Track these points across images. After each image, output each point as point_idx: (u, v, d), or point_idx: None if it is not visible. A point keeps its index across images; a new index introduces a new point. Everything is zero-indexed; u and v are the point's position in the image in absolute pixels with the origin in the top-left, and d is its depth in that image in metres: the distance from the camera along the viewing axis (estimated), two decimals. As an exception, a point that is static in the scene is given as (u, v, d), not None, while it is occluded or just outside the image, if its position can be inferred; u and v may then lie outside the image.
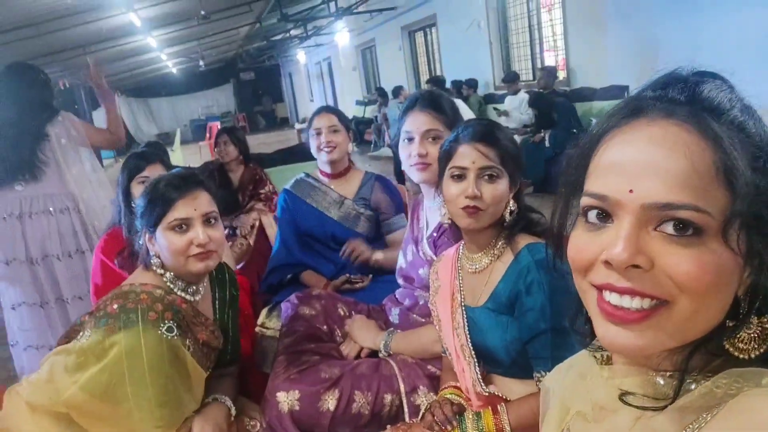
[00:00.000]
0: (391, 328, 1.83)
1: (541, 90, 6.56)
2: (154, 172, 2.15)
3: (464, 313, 1.39)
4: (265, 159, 4.62)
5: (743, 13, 4.50)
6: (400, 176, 7.39)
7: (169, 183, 1.48)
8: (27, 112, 2.75)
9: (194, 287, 1.55)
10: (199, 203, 1.48)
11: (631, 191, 0.56)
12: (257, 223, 3.53)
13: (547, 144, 6.06)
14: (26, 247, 2.79)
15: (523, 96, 7.02)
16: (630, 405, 0.62)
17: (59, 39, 7.68)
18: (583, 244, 0.62)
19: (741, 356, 0.56)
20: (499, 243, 1.35)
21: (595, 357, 0.72)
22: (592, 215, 0.61)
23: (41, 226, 2.79)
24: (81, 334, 1.45)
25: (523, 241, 1.32)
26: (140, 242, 1.53)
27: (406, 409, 1.61)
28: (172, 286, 1.50)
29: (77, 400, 1.35)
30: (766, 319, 0.56)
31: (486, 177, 1.30)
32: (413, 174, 1.78)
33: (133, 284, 1.47)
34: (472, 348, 1.37)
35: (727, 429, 0.54)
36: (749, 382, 0.55)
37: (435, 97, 1.80)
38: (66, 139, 2.82)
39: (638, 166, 0.56)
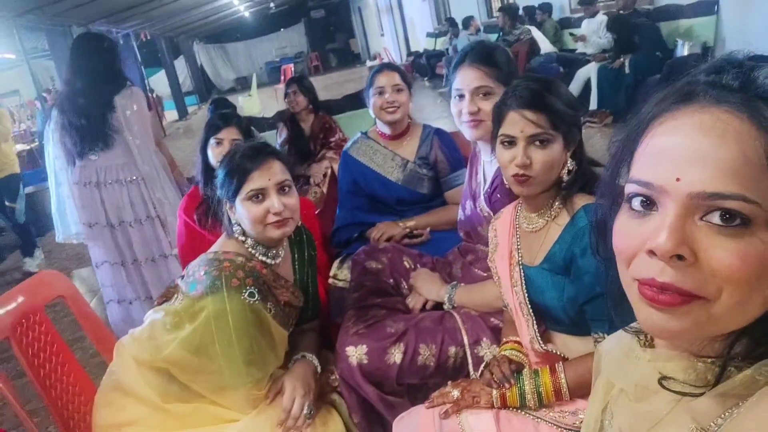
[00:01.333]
0: (455, 282, 1.86)
1: (620, 11, 6.13)
2: (229, 135, 2.29)
3: (522, 271, 1.40)
4: (334, 106, 4.64)
5: None
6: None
7: (244, 155, 1.55)
8: (95, 82, 2.88)
9: (274, 251, 1.63)
10: (273, 173, 1.54)
11: (678, 179, 0.55)
12: (329, 171, 3.60)
13: (627, 70, 5.70)
14: (105, 213, 3.03)
15: (601, 18, 6.58)
16: (669, 390, 0.63)
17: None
18: (626, 232, 0.61)
19: None
20: (556, 204, 1.33)
21: (638, 338, 0.73)
22: (636, 202, 0.60)
23: (115, 194, 3.02)
24: (175, 296, 1.60)
25: (581, 201, 1.30)
26: (222, 211, 1.62)
27: (470, 360, 1.66)
28: (253, 251, 1.59)
29: (175, 356, 1.50)
30: None
31: (537, 143, 1.27)
32: (466, 131, 1.76)
33: (217, 252, 1.58)
34: (530, 306, 1.39)
35: (764, 413, 0.54)
36: None
37: (487, 51, 1.74)
38: (131, 111, 2.94)
39: (686, 154, 0.55)
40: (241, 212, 1.54)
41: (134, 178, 3.03)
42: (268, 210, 1.52)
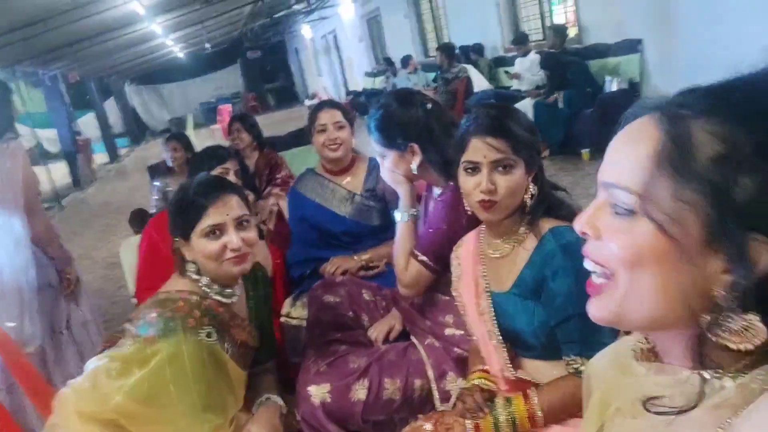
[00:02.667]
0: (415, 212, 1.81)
1: (551, 50, 6.42)
2: (232, 166, 2.44)
3: (490, 299, 1.38)
4: (278, 142, 4.59)
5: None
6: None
7: (199, 190, 1.49)
8: None
9: (230, 289, 1.55)
10: (230, 207, 1.48)
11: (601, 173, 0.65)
12: (276, 208, 3.53)
13: (561, 105, 5.94)
14: None
15: (533, 57, 6.87)
16: (658, 412, 0.62)
17: (64, 34, 7.68)
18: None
19: (737, 348, 0.56)
20: (521, 228, 1.33)
21: (633, 351, 0.72)
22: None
23: None
24: (122, 341, 1.48)
25: (547, 224, 1.30)
26: (173, 249, 1.53)
27: (436, 395, 1.62)
28: (207, 290, 1.51)
29: (124, 406, 1.37)
30: (751, 316, 0.55)
31: (500, 169, 1.28)
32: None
33: (169, 291, 1.49)
34: (499, 334, 1.37)
35: (761, 421, 0.53)
36: None
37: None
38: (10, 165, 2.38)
39: (609, 153, 0.64)
40: (197, 249, 1.47)
41: None
42: (226, 246, 1.46)
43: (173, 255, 1.54)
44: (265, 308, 1.75)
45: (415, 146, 1.69)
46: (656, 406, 0.62)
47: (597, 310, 0.65)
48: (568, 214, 1.31)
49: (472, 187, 1.30)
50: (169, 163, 4.03)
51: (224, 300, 1.53)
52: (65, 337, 2.61)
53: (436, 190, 1.79)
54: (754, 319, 0.54)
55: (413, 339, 1.76)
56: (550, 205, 1.34)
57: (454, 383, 1.59)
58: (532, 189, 1.31)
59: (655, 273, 0.58)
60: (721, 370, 0.59)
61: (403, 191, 1.77)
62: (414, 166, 1.70)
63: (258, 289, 1.72)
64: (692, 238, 0.55)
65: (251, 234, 1.51)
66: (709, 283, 0.56)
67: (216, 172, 2.31)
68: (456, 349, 1.67)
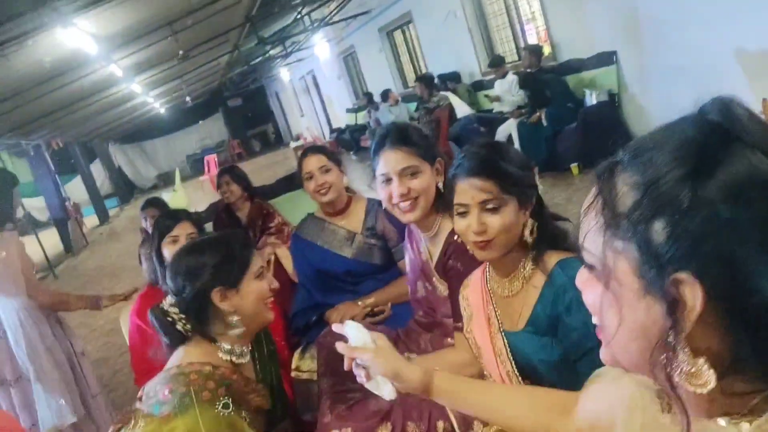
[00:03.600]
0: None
1: (528, 70, 6.49)
2: (183, 230, 2.26)
3: (504, 338, 1.35)
4: (268, 191, 4.59)
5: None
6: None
7: (239, 241, 1.52)
8: None
9: (244, 348, 1.51)
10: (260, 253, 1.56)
11: None
12: (273, 258, 3.50)
13: (544, 123, 5.98)
14: None
15: (511, 78, 6.95)
16: None
17: (44, 103, 7.71)
18: None
19: (694, 391, 0.56)
20: (527, 265, 1.30)
21: (660, 402, 0.71)
22: None
23: None
24: (133, 422, 1.42)
25: (553, 258, 1.28)
26: (202, 306, 1.45)
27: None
28: (223, 356, 1.46)
29: None
30: (700, 360, 0.55)
31: (488, 209, 1.26)
32: (401, 216, 1.72)
33: (180, 365, 1.42)
34: (518, 373, 1.33)
35: None
36: None
37: (402, 131, 1.73)
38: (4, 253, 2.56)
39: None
40: (251, 293, 1.46)
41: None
42: (270, 287, 1.49)
43: (190, 320, 1.47)
44: (271, 365, 1.71)
45: (441, 160, 1.72)
46: None
47: (601, 354, 0.68)
48: (574, 244, 1.28)
49: (465, 228, 1.29)
50: (150, 230, 3.98)
51: (240, 361, 1.49)
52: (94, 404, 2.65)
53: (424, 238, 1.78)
54: (701, 363, 0.55)
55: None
56: (555, 236, 1.31)
57: (480, 430, 1.54)
58: (531, 225, 1.29)
59: (615, 315, 0.60)
60: (736, 415, 0.58)
61: (424, 220, 1.73)
62: (440, 183, 1.69)
63: (262, 346, 1.69)
64: (629, 286, 0.58)
65: (275, 281, 1.54)
66: (661, 325, 0.57)
67: (166, 244, 2.24)
68: None
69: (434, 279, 1.75)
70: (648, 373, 0.62)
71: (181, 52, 7.17)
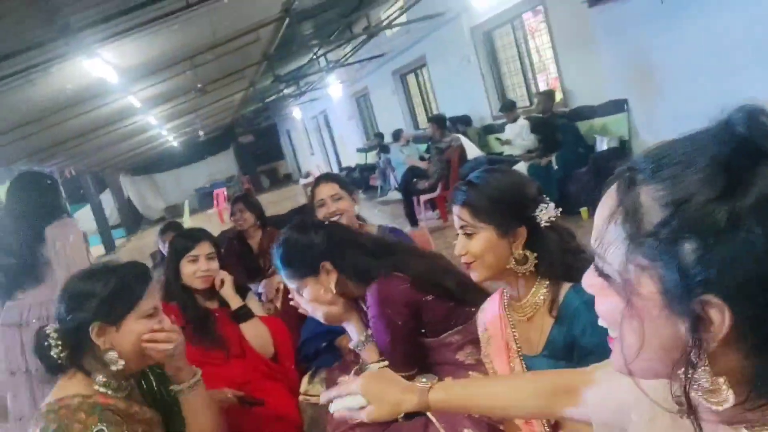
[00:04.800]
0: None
1: (540, 114, 6.59)
2: (202, 250, 2.30)
3: (523, 363, 1.34)
4: (280, 221, 4.61)
5: (729, 15, 4.53)
6: (413, 218, 7.43)
7: (134, 273, 1.47)
8: (25, 218, 2.72)
9: (122, 383, 1.45)
10: (156, 291, 1.53)
11: None
12: (282, 286, 3.50)
13: (555, 166, 6.04)
14: (25, 359, 2.68)
15: (522, 123, 7.04)
16: None
17: (62, 130, 7.83)
18: None
19: (713, 408, 0.57)
20: (541, 291, 1.31)
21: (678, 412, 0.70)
22: None
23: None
24: None
25: (567, 285, 1.29)
26: (79, 342, 1.40)
27: None
28: (99, 388, 1.40)
29: None
30: (720, 379, 0.55)
31: (467, 235, 1.35)
32: None
33: (49, 403, 1.36)
34: (536, 398, 1.32)
35: None
36: None
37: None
38: (61, 242, 2.74)
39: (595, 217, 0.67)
40: (133, 332, 1.42)
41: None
42: (162, 328, 1.47)
43: (65, 349, 1.40)
44: (161, 387, 1.64)
45: (327, 264, 1.75)
46: None
47: (614, 363, 0.67)
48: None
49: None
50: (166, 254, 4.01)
51: (116, 395, 1.42)
52: None
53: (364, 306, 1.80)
54: (722, 382, 0.55)
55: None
56: (573, 269, 1.29)
57: None
58: (523, 254, 1.31)
59: (635, 329, 0.59)
60: (757, 424, 0.58)
61: (344, 320, 1.82)
62: (332, 285, 1.75)
63: (145, 371, 1.63)
64: (653, 303, 0.57)
65: (169, 322, 1.52)
66: (682, 343, 0.56)
67: (185, 264, 2.30)
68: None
69: None
70: (668, 377, 0.62)
71: (198, 86, 7.32)
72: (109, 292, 1.40)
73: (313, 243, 1.77)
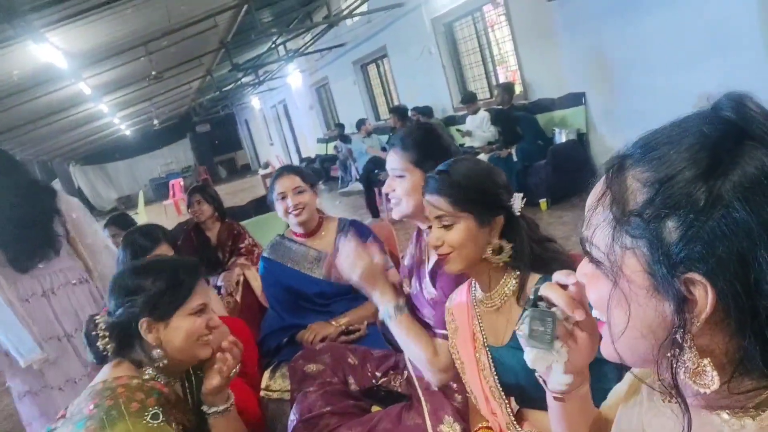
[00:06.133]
0: (402, 303, 1.62)
1: (500, 107, 6.64)
2: (161, 252, 2.21)
3: (489, 353, 1.34)
4: (239, 212, 4.53)
5: (686, 9, 4.63)
6: (374, 210, 7.40)
7: (187, 270, 1.46)
8: (34, 193, 2.74)
9: (170, 380, 1.45)
10: (208, 290, 1.49)
11: None
12: (242, 279, 3.44)
13: (515, 158, 6.10)
14: (59, 323, 2.74)
15: (483, 114, 7.08)
16: None
17: (8, 117, 7.51)
18: None
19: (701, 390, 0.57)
20: (510, 282, 1.30)
21: (661, 395, 0.70)
22: None
23: (67, 299, 2.76)
24: None
25: (535, 275, 1.28)
26: (127, 336, 1.41)
27: None
28: (153, 373, 1.40)
29: None
30: (705, 361, 0.56)
31: (444, 226, 1.31)
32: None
33: (105, 381, 1.36)
34: (501, 389, 1.31)
35: None
36: None
37: (404, 134, 1.75)
38: (76, 213, 2.83)
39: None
40: (180, 329, 1.40)
41: (83, 277, 2.79)
42: (208, 324, 1.43)
43: (112, 340, 1.42)
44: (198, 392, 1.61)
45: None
46: None
47: (602, 348, 0.68)
48: (560, 264, 1.28)
49: (430, 242, 1.35)
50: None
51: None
52: None
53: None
54: (707, 364, 0.56)
55: (413, 379, 1.66)
56: (542, 259, 1.30)
57: (450, 428, 1.51)
58: (499, 244, 1.30)
59: (624, 313, 0.60)
60: (740, 410, 0.59)
61: (379, 286, 1.60)
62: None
63: (193, 372, 1.62)
64: (638, 283, 0.58)
65: (217, 319, 1.49)
66: (668, 323, 0.57)
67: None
68: (457, 396, 1.58)
69: (425, 281, 1.74)
70: (652, 368, 0.63)
71: (153, 73, 7.09)
72: (158, 288, 1.41)
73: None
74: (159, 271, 1.45)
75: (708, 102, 0.59)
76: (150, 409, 1.30)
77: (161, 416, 1.31)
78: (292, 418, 1.72)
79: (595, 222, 0.62)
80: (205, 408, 1.49)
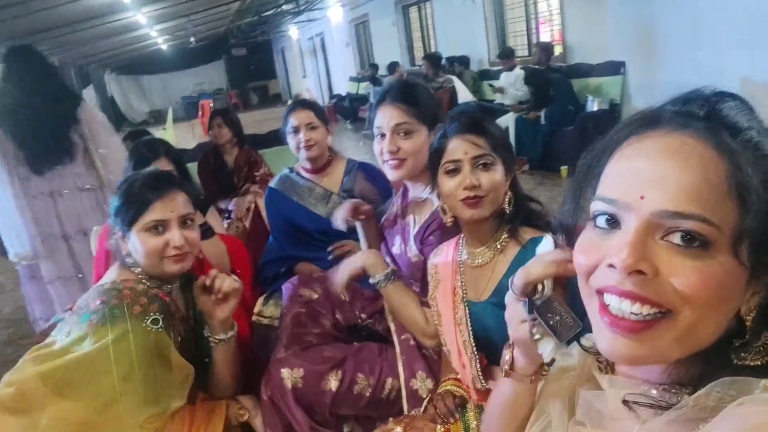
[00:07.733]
0: (393, 270, 1.66)
1: (536, 66, 6.48)
2: (160, 167, 2.15)
3: (466, 308, 1.37)
4: (259, 140, 4.56)
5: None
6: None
7: (146, 183, 1.48)
8: (58, 100, 2.84)
9: (168, 285, 1.53)
10: (176, 205, 1.48)
11: (642, 198, 0.56)
12: (253, 206, 3.50)
13: (543, 121, 6.00)
14: (60, 224, 2.90)
15: (518, 72, 6.93)
16: (631, 408, 0.63)
17: (48, 17, 7.51)
18: (589, 246, 0.62)
19: (738, 362, 0.57)
20: (502, 236, 1.33)
21: (599, 363, 0.72)
22: (602, 220, 0.61)
23: (73, 203, 2.92)
24: (60, 325, 1.43)
25: (527, 234, 1.30)
26: (111, 241, 1.52)
27: (404, 395, 1.60)
28: (147, 282, 1.48)
29: (56, 377, 1.29)
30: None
31: (481, 166, 1.30)
32: (388, 172, 1.73)
33: (114, 281, 1.45)
34: (473, 344, 1.36)
35: None
36: (740, 391, 0.56)
37: (407, 89, 1.72)
38: (96, 122, 2.96)
39: (651, 174, 0.57)
40: (136, 244, 1.45)
41: (93, 185, 2.93)
42: (168, 243, 1.45)
43: (111, 248, 1.53)
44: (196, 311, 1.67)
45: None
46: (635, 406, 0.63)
47: (642, 348, 0.58)
48: (545, 224, 1.31)
49: (455, 186, 1.30)
50: None
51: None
52: None
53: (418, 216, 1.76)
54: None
55: (392, 329, 1.72)
56: (530, 213, 1.35)
57: (422, 383, 1.57)
58: (510, 196, 1.33)
59: (725, 304, 0.56)
60: (678, 386, 0.60)
61: (416, 181, 1.68)
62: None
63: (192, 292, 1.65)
64: (750, 263, 0.55)
65: (194, 234, 1.51)
66: (740, 307, 0.57)
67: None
68: (424, 350, 1.64)
69: (410, 244, 1.77)
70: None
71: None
72: (118, 202, 1.47)
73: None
74: (125, 182, 1.51)
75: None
76: (151, 314, 1.37)
77: (161, 323, 1.38)
78: (280, 329, 1.80)
79: (715, 201, 0.55)
80: (208, 335, 1.54)
